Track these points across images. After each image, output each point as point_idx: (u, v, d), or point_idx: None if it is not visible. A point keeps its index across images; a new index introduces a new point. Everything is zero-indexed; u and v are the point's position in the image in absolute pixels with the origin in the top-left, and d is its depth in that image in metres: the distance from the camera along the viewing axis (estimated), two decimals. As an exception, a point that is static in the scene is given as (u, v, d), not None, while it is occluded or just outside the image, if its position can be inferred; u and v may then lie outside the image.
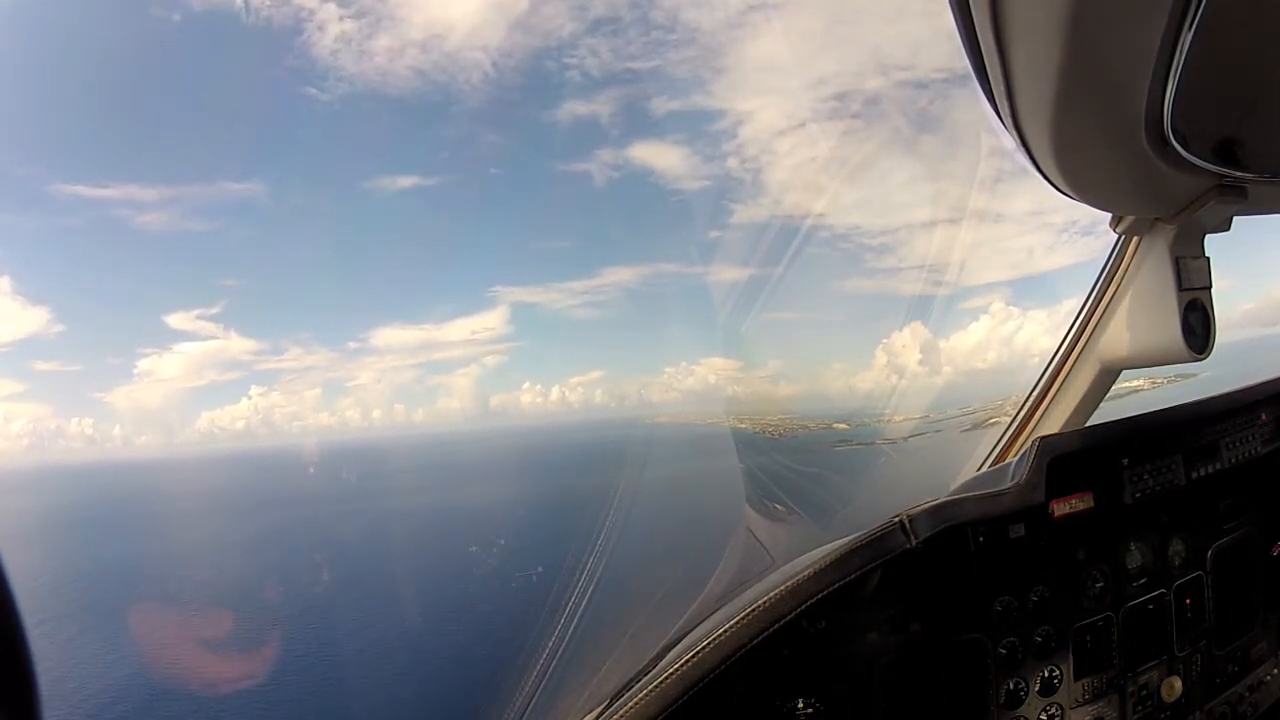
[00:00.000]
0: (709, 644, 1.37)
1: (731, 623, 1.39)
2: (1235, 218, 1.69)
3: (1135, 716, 1.88)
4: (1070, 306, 2.18)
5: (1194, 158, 1.15)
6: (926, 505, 1.60)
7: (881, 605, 1.61)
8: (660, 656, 1.51)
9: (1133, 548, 1.92)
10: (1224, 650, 2.08)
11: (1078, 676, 1.80)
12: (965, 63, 0.95)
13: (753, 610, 1.41)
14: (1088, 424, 2.19)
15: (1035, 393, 2.31)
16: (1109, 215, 1.74)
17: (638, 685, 1.37)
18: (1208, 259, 1.73)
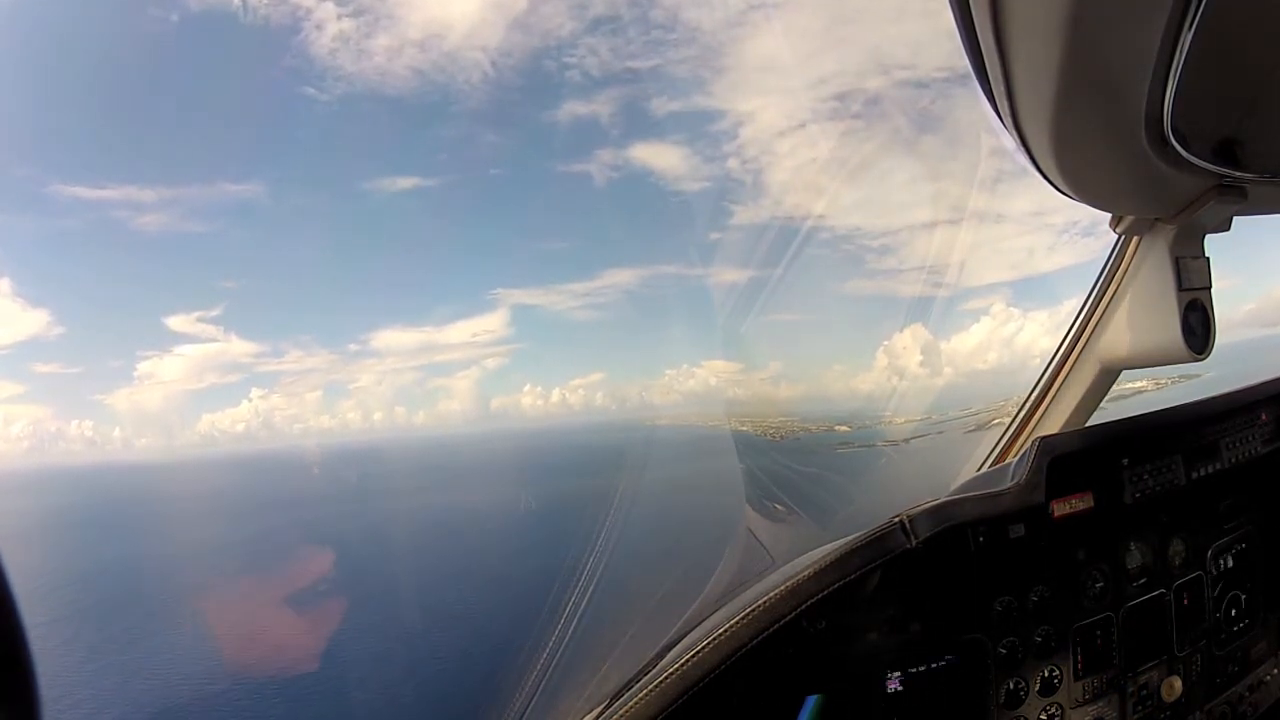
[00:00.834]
0: (709, 644, 1.37)
1: (731, 623, 1.39)
2: (1235, 218, 1.69)
3: (1135, 716, 1.87)
4: (1070, 307, 2.19)
5: (1194, 158, 1.15)
6: (926, 505, 1.60)
7: (881, 605, 1.60)
8: (660, 656, 1.51)
9: (1133, 548, 1.92)
10: (1224, 650, 2.07)
11: (1078, 676, 1.80)
12: (965, 62, 0.95)
13: (753, 610, 1.41)
14: (1088, 424, 2.19)
15: (1035, 393, 2.31)
16: (1109, 215, 1.75)
17: (638, 685, 1.37)
18: (1208, 259, 1.73)
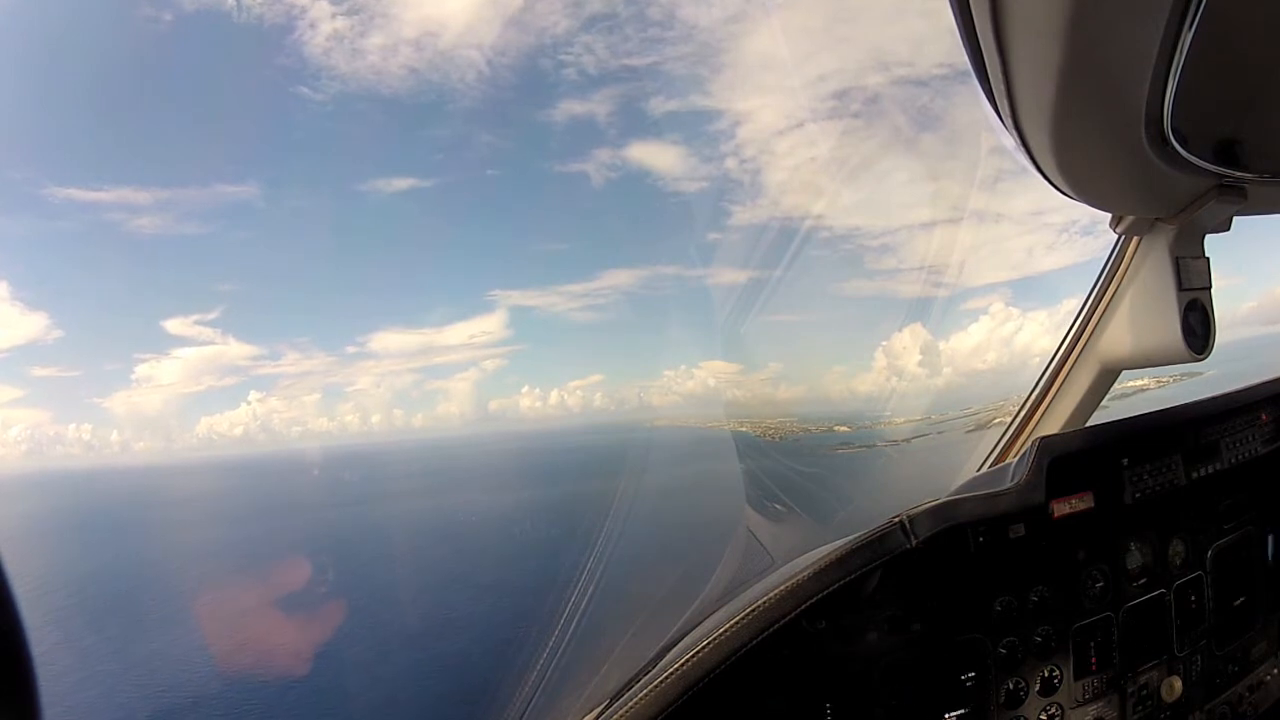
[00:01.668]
0: (709, 644, 1.37)
1: (731, 623, 1.39)
2: (1235, 218, 1.69)
3: (1135, 716, 1.87)
4: (1070, 306, 2.19)
5: (1194, 158, 1.15)
6: (926, 505, 1.59)
7: (881, 605, 1.60)
8: (660, 656, 1.51)
9: (1133, 548, 1.92)
10: (1224, 650, 2.08)
11: (1078, 676, 1.80)
12: (965, 59, 0.95)
13: (753, 610, 1.41)
14: (1088, 424, 2.19)
15: (1035, 393, 2.31)
16: (1109, 215, 1.75)
17: (638, 685, 1.37)
18: (1208, 259, 1.73)
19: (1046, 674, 1.76)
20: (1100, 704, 1.82)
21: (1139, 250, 1.79)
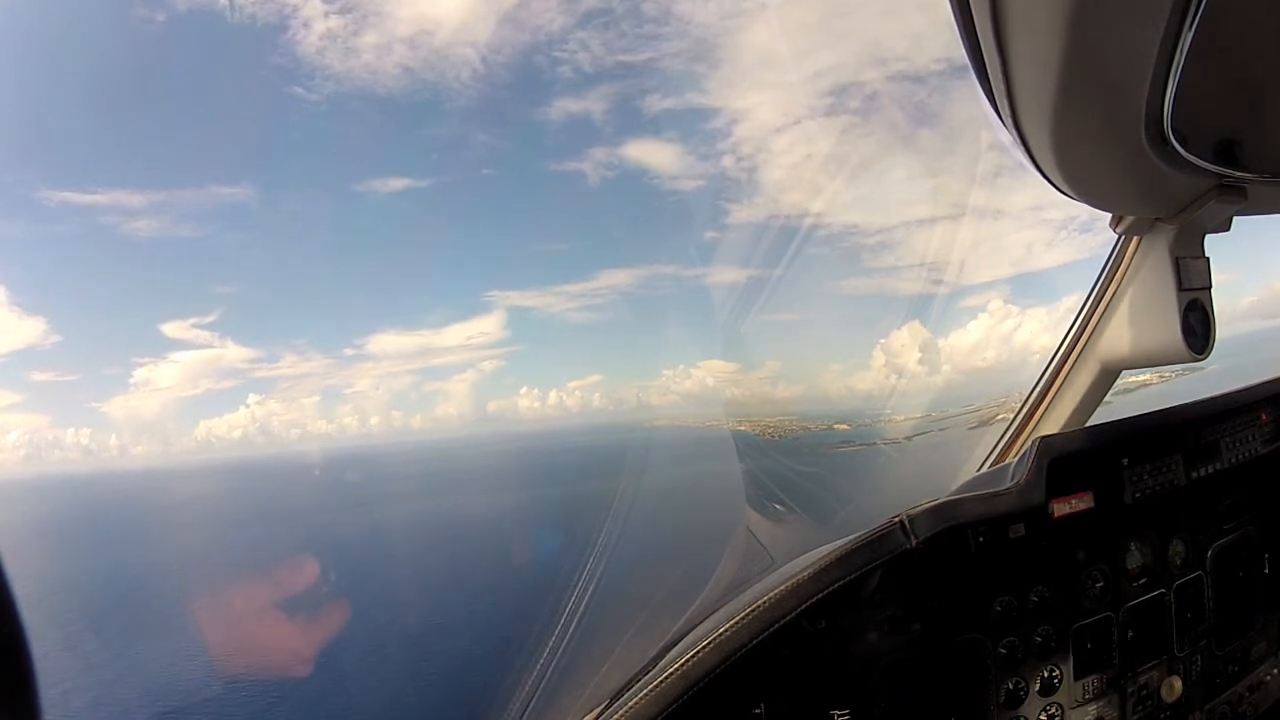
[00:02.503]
0: (709, 644, 1.37)
1: (731, 623, 1.39)
2: (1235, 218, 1.69)
3: (1135, 716, 1.88)
4: (1069, 304, 2.19)
5: (1194, 158, 1.15)
6: (926, 505, 1.59)
7: (881, 605, 1.60)
8: (660, 656, 1.51)
9: (1133, 548, 1.92)
10: (1224, 650, 2.08)
11: (1078, 676, 1.80)
12: (964, 54, 0.95)
13: (753, 610, 1.41)
14: (1088, 424, 2.19)
15: (1035, 393, 2.31)
16: (1108, 214, 1.75)
17: (638, 685, 1.37)
18: (1208, 259, 1.73)
19: (1046, 674, 1.76)
20: (1100, 704, 1.82)
21: (1139, 250, 1.79)
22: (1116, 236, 1.87)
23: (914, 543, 1.52)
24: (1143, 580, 1.92)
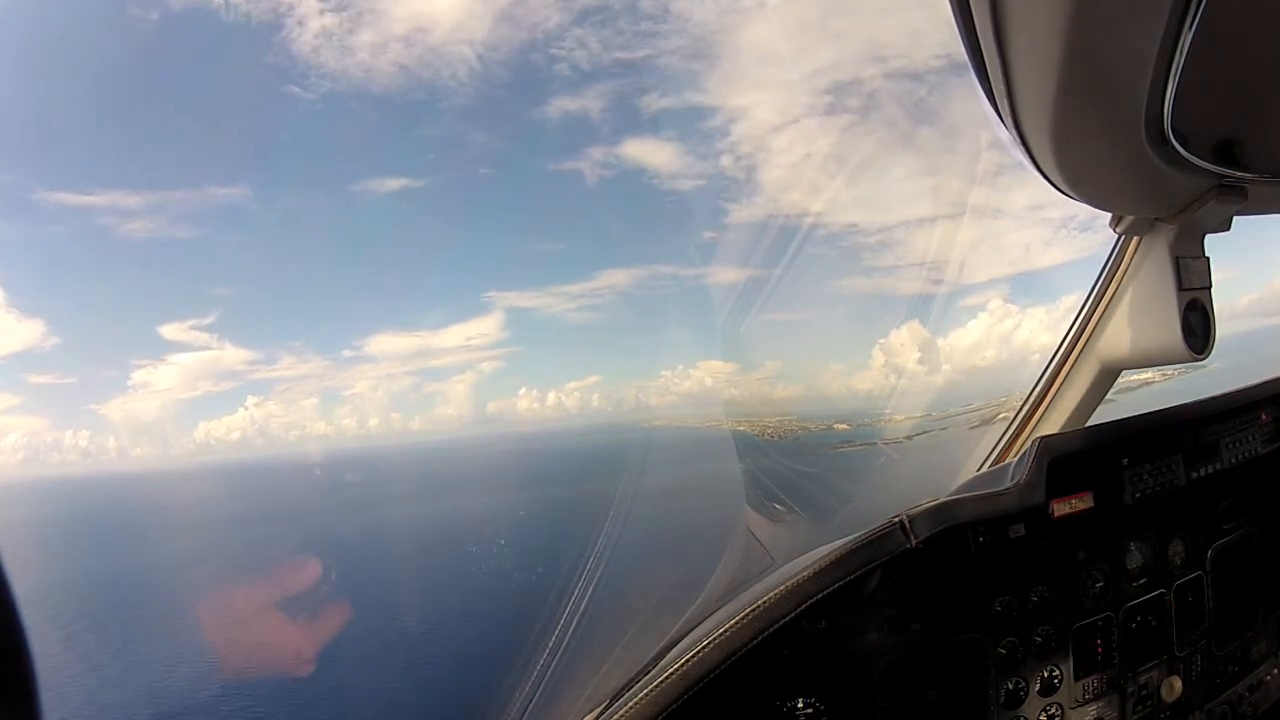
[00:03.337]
0: (709, 644, 1.37)
1: (731, 623, 1.39)
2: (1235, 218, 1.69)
3: (1135, 716, 1.88)
4: (1069, 303, 2.19)
5: (1194, 158, 1.15)
6: (926, 505, 1.59)
7: (881, 605, 1.60)
8: (660, 656, 1.51)
9: (1133, 548, 1.92)
10: (1224, 650, 2.08)
11: (1078, 676, 1.80)
12: (963, 51, 0.95)
13: (753, 610, 1.41)
14: (1088, 424, 2.19)
15: (1035, 393, 2.31)
16: (1108, 214, 1.75)
17: (638, 685, 1.37)
18: (1208, 259, 1.74)
19: (1046, 674, 1.76)
20: (1100, 704, 1.82)
21: (1139, 250, 1.79)
22: (1116, 236, 1.87)
23: (914, 543, 1.52)
24: (1143, 580, 1.92)
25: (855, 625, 1.59)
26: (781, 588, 1.43)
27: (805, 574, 1.45)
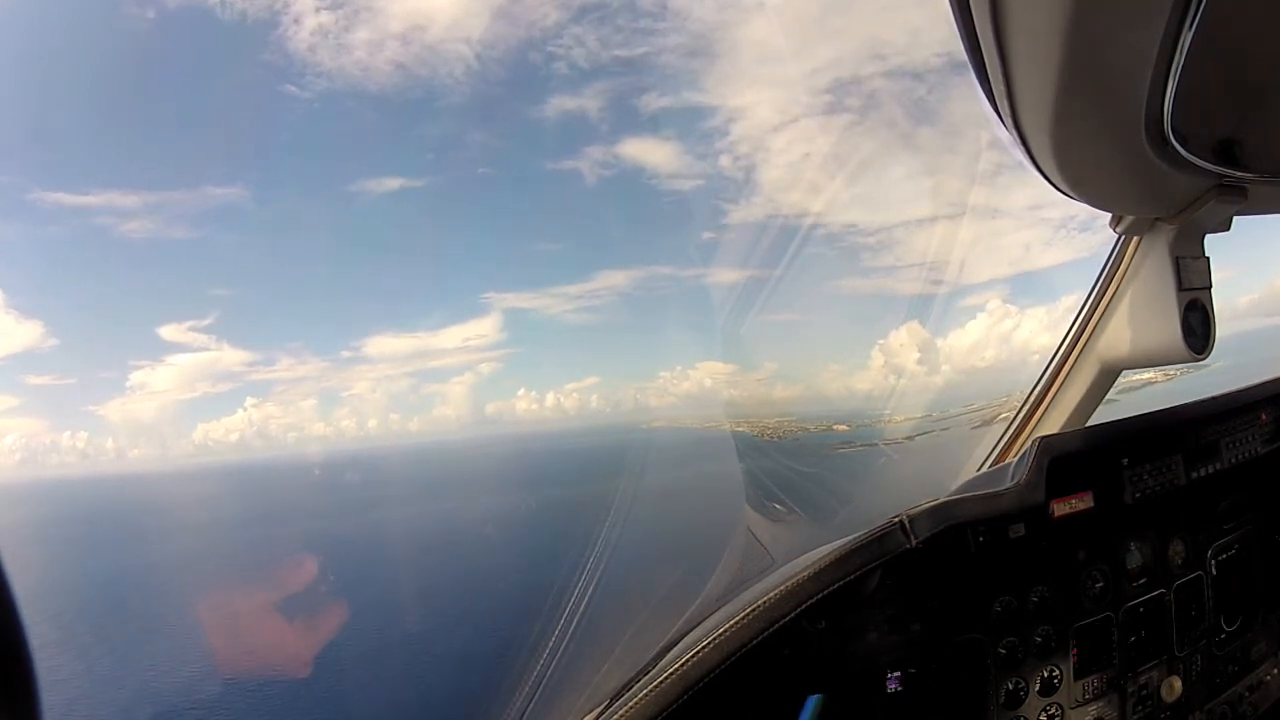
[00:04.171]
0: (709, 644, 1.37)
1: (731, 623, 1.39)
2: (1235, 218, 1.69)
3: (1135, 716, 1.88)
4: (1069, 303, 2.19)
5: (1194, 158, 1.15)
6: (926, 505, 1.60)
7: (881, 605, 1.60)
8: (660, 656, 1.51)
9: (1133, 548, 1.92)
10: (1224, 650, 2.08)
11: (1078, 676, 1.80)
12: (962, 49, 0.95)
13: (753, 610, 1.41)
14: (1088, 424, 2.19)
15: (1035, 393, 2.31)
16: (1108, 214, 1.75)
17: (638, 685, 1.37)
18: (1208, 259, 1.74)
19: (1046, 674, 1.76)
20: (1100, 704, 1.82)
21: (1139, 250, 1.79)
22: (1116, 236, 1.87)
23: (914, 543, 1.52)
24: (1143, 580, 1.92)
25: (855, 625, 1.59)
26: (781, 588, 1.43)
27: (805, 574, 1.45)
